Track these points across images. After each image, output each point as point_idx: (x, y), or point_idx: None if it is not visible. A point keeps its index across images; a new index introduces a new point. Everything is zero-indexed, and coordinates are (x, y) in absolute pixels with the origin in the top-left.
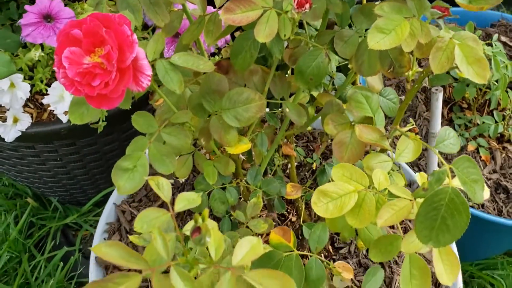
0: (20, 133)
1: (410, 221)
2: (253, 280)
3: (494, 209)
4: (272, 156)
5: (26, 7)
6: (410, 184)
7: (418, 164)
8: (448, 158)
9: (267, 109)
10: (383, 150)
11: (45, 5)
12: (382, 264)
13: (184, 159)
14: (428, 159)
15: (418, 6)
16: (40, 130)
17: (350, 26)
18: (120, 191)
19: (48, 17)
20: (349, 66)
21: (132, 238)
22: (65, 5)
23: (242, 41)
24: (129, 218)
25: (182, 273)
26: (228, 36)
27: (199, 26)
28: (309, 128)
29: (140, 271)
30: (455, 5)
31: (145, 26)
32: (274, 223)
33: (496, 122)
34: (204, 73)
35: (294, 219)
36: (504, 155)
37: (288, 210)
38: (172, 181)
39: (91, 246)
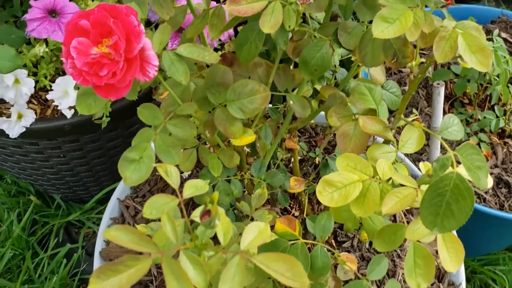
0: (24, 129)
1: (412, 215)
2: (261, 263)
3: (496, 203)
4: (276, 150)
5: (31, 2)
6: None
7: (420, 159)
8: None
9: (270, 105)
10: (386, 142)
11: (49, 0)
12: None
13: (189, 152)
14: (430, 150)
15: None
16: (44, 126)
17: (353, 18)
18: (126, 182)
19: (53, 12)
20: (352, 58)
21: (139, 227)
22: (70, 0)
23: (247, 32)
24: (133, 213)
25: (191, 257)
26: (231, 31)
27: (203, 20)
28: (312, 121)
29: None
30: (457, 1)
31: (147, 23)
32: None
33: (497, 117)
34: (208, 66)
35: (297, 213)
36: (505, 150)
37: (291, 205)
38: None
39: (94, 243)
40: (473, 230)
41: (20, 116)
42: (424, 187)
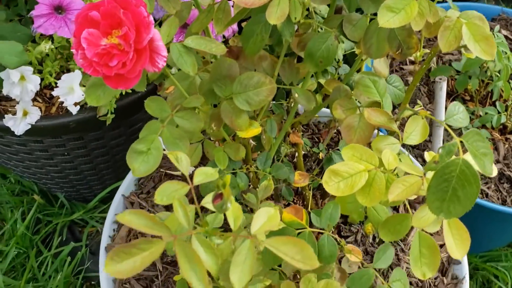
0: (29, 126)
1: (415, 210)
2: (272, 246)
3: (498, 198)
4: (280, 146)
5: None
6: None
7: (422, 155)
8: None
9: (273, 101)
10: (391, 134)
11: None
12: None
13: (194, 147)
14: (432, 145)
15: None
16: (49, 123)
17: (356, 11)
18: (135, 173)
19: (59, 9)
20: (356, 52)
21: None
22: None
23: (253, 25)
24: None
25: (203, 240)
26: (236, 27)
27: (209, 15)
28: (316, 115)
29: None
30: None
31: None
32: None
33: (498, 112)
34: (212, 62)
35: None
36: (507, 146)
37: (295, 201)
38: (179, 172)
39: (97, 242)
40: (475, 225)
41: (25, 113)
42: (430, 175)
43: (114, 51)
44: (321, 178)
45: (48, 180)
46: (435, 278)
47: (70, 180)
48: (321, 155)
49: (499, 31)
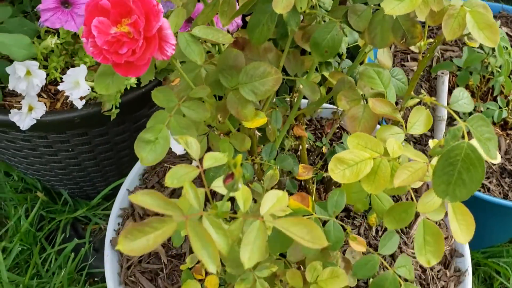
0: (35, 121)
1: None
2: (282, 227)
3: (500, 193)
4: (283, 139)
5: None
6: None
7: (424, 150)
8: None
9: (276, 96)
10: (395, 124)
11: None
12: None
13: (199, 140)
14: (435, 134)
15: None
16: (54, 118)
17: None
18: (143, 162)
19: (65, 3)
20: (359, 43)
21: None
22: None
23: (259, 15)
24: None
25: (214, 221)
26: (240, 21)
27: (214, 8)
28: (320, 109)
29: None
30: None
31: None
32: None
33: (500, 107)
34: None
35: None
36: (508, 140)
37: None
38: None
39: (100, 239)
40: (477, 220)
41: (30, 109)
42: (435, 162)
43: (124, 39)
44: (325, 171)
45: (51, 177)
46: (438, 271)
47: (74, 176)
48: (324, 149)
49: (500, 28)
